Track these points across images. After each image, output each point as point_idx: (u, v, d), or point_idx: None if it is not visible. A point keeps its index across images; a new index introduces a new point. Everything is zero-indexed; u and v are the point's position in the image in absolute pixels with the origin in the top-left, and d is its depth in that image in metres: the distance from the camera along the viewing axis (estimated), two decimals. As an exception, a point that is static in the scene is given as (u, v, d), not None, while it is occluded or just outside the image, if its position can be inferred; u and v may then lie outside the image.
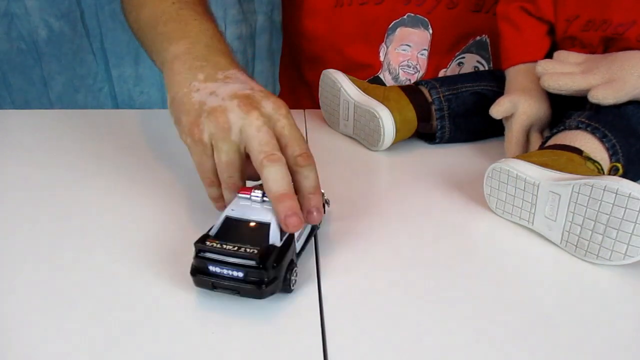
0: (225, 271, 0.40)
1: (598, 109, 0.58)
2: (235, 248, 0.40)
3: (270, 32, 1.37)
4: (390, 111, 0.68)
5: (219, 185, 0.48)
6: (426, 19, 0.84)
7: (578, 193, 0.47)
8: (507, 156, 0.65)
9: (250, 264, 0.39)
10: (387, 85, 0.88)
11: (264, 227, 0.42)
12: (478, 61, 0.89)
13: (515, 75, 0.68)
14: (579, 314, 0.43)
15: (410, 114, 0.70)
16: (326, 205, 0.52)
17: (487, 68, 0.90)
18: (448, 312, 0.42)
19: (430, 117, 0.72)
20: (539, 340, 0.40)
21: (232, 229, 0.42)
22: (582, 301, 0.44)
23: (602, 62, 0.59)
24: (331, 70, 0.75)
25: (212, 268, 0.40)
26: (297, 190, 0.45)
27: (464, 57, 0.88)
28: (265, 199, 0.44)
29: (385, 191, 0.63)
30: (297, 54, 0.95)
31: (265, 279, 0.39)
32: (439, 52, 0.86)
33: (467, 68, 0.89)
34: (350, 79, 0.74)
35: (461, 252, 0.50)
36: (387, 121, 0.68)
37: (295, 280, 0.43)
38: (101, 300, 0.42)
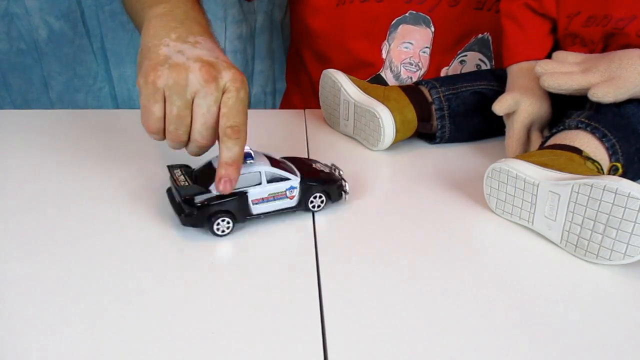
0: (175, 192, 0.52)
1: (598, 108, 0.58)
2: (183, 183, 0.51)
3: (270, 31, 1.37)
4: (391, 111, 0.68)
5: (163, 134, 0.50)
6: (428, 17, 0.84)
7: (578, 193, 0.47)
8: (508, 154, 0.66)
9: (181, 194, 0.50)
10: (389, 83, 0.88)
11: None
12: (480, 59, 0.89)
13: (518, 73, 0.69)
14: (578, 313, 0.43)
15: (411, 113, 0.70)
16: (344, 194, 0.56)
17: (489, 66, 0.90)
18: (448, 311, 0.42)
19: (431, 117, 0.72)
20: (539, 340, 0.40)
21: (207, 173, 0.51)
22: (581, 301, 0.44)
23: (602, 60, 0.59)
24: (331, 70, 0.75)
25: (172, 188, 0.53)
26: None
27: (466, 55, 0.88)
28: (247, 161, 0.51)
29: (385, 191, 0.63)
30: (302, 51, 0.95)
31: (185, 211, 0.49)
32: (441, 50, 0.86)
33: (469, 66, 0.89)
34: (350, 78, 0.74)
35: (461, 252, 0.50)
36: (387, 121, 0.68)
37: (224, 230, 0.50)
38: (100, 301, 0.42)
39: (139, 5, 0.60)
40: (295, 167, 0.55)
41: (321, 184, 0.54)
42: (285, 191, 0.52)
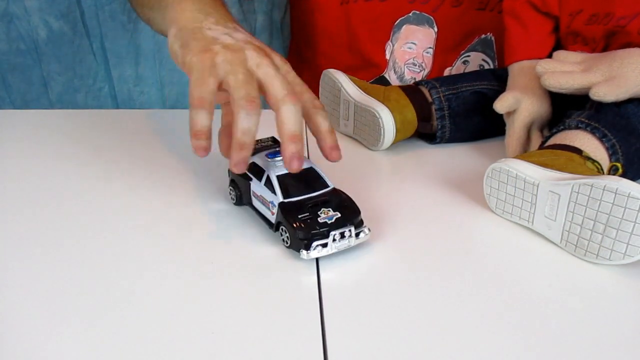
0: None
1: (598, 108, 0.58)
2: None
3: (270, 31, 1.37)
4: (391, 111, 0.68)
5: (210, 110, 0.45)
6: (431, 17, 0.84)
7: (578, 193, 0.47)
8: (508, 153, 0.66)
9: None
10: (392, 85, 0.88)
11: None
12: (483, 59, 0.89)
13: (519, 71, 0.69)
14: (578, 313, 0.43)
15: (411, 113, 0.70)
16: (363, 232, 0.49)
17: (492, 66, 0.90)
18: (448, 311, 0.42)
19: (431, 117, 0.72)
20: (539, 340, 0.40)
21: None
22: (582, 301, 0.44)
23: (603, 60, 0.59)
24: (331, 70, 0.75)
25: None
26: (313, 132, 0.49)
27: (469, 56, 0.88)
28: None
29: (385, 191, 0.63)
30: (303, 52, 0.95)
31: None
32: (444, 51, 0.87)
33: (473, 66, 0.89)
34: (350, 78, 0.74)
35: (461, 251, 0.50)
36: (387, 121, 0.68)
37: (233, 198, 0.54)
38: (100, 302, 0.42)
39: None
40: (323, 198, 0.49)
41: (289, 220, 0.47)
42: (269, 202, 0.50)
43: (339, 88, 0.73)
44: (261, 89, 0.46)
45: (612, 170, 0.55)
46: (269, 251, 0.49)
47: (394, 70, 0.87)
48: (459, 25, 0.85)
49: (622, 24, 0.62)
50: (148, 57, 1.09)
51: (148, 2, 0.62)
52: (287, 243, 0.48)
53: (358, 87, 0.73)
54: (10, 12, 1.11)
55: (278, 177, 0.49)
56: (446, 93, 0.71)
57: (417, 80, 0.88)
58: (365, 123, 0.70)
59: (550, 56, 0.67)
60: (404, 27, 0.85)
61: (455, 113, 0.72)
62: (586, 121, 0.56)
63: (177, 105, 1.35)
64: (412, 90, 0.72)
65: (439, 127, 0.71)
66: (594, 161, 0.53)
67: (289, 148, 0.45)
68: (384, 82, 0.88)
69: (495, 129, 0.71)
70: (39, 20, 1.13)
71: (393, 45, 0.86)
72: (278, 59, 0.49)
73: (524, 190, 0.52)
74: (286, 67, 0.49)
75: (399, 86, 0.74)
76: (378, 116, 0.67)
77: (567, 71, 0.60)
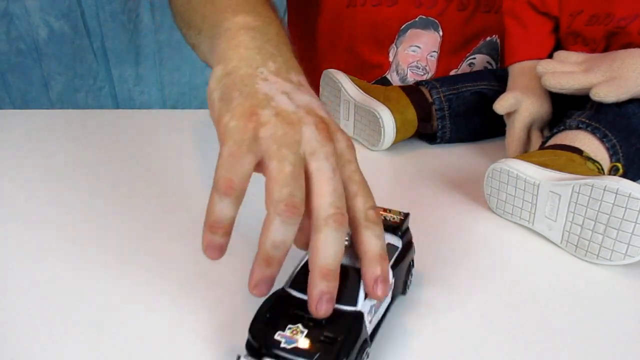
0: None
1: (598, 108, 0.58)
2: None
3: (270, 31, 1.36)
4: (391, 111, 0.68)
5: (239, 197, 0.35)
6: (437, 21, 0.84)
7: (578, 193, 0.47)
8: (508, 153, 0.66)
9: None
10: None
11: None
12: (488, 62, 0.89)
13: (520, 72, 0.69)
14: (579, 313, 0.43)
15: (411, 114, 0.70)
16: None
17: (496, 68, 0.89)
18: (447, 311, 0.42)
19: (431, 117, 0.72)
20: (539, 340, 0.40)
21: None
22: (582, 301, 0.44)
23: (603, 60, 0.59)
24: (332, 70, 0.75)
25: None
26: (359, 252, 0.36)
27: (474, 58, 0.88)
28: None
29: (386, 191, 0.63)
30: (304, 52, 0.95)
31: None
32: (448, 54, 0.86)
33: (478, 69, 0.89)
34: (351, 78, 0.74)
35: (461, 252, 0.50)
36: (387, 121, 0.68)
37: None
38: (100, 302, 0.42)
39: (215, 9, 0.47)
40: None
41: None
42: None
43: (339, 88, 0.73)
44: (306, 186, 0.35)
45: (613, 171, 0.55)
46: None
47: (397, 72, 0.87)
48: (464, 29, 0.85)
49: (622, 25, 0.62)
50: (148, 57, 1.09)
51: (195, 23, 0.51)
52: None
53: (358, 87, 0.73)
54: (10, 12, 1.11)
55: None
56: (446, 93, 0.71)
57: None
58: (365, 123, 0.70)
59: (550, 56, 0.67)
60: (409, 31, 0.85)
61: (456, 113, 0.72)
62: (587, 121, 0.56)
63: (177, 105, 1.35)
64: (412, 91, 0.72)
65: (439, 127, 0.71)
66: (594, 161, 0.53)
67: (317, 285, 0.33)
68: (387, 83, 0.88)
69: (495, 129, 0.71)
70: (40, 20, 1.13)
71: (397, 48, 0.86)
72: (342, 143, 0.38)
73: (524, 191, 0.52)
74: (347, 156, 0.38)
75: (400, 86, 0.74)
76: (378, 116, 0.67)
77: (567, 71, 0.60)
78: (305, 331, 0.33)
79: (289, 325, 0.33)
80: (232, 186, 0.34)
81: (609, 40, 0.64)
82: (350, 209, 0.36)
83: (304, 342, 0.32)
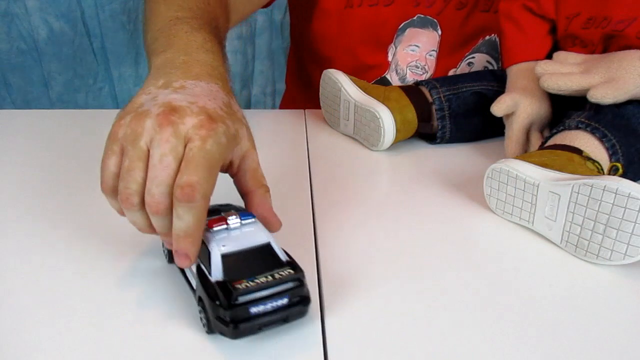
0: (269, 305, 0.37)
1: (598, 109, 0.58)
2: (269, 278, 0.37)
3: (270, 32, 1.37)
4: (391, 111, 0.68)
5: (116, 195, 0.40)
6: (435, 20, 0.84)
7: (578, 193, 0.47)
8: (507, 155, 0.65)
9: (291, 285, 0.37)
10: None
11: (266, 248, 0.39)
12: (488, 61, 0.89)
13: (517, 73, 0.69)
14: (579, 313, 0.43)
15: (411, 114, 0.70)
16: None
17: (496, 68, 0.89)
18: (447, 312, 0.42)
19: (431, 117, 0.72)
20: (539, 340, 0.40)
21: (236, 263, 0.38)
22: (582, 301, 0.44)
23: (601, 61, 0.59)
24: (332, 70, 0.75)
25: (254, 309, 0.36)
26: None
27: (474, 57, 0.88)
28: (244, 221, 0.40)
29: (386, 191, 0.63)
30: (304, 54, 0.95)
31: (308, 292, 0.39)
32: (447, 53, 0.86)
33: (477, 68, 0.89)
34: (351, 78, 0.74)
35: (461, 252, 0.50)
36: (387, 121, 0.68)
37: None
38: (100, 302, 0.42)
39: (149, 52, 0.53)
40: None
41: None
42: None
43: (339, 88, 0.73)
44: None
45: (612, 171, 0.55)
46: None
47: (396, 71, 0.87)
48: (462, 28, 0.85)
49: (619, 28, 0.62)
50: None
51: (147, 44, 0.55)
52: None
53: (358, 87, 0.73)
54: (11, 11, 1.11)
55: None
56: (446, 93, 0.72)
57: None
58: (365, 123, 0.70)
59: (548, 57, 0.67)
60: (408, 30, 0.85)
61: (456, 113, 0.72)
62: (586, 121, 0.56)
63: (177, 105, 1.34)
64: (412, 91, 0.72)
65: (440, 127, 0.72)
66: (594, 161, 0.53)
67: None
68: (386, 83, 0.88)
69: (495, 129, 0.71)
70: (40, 20, 1.13)
71: (396, 48, 0.86)
72: (189, 124, 0.39)
73: (524, 191, 0.52)
74: (194, 134, 0.39)
75: (399, 86, 0.74)
76: (378, 116, 0.68)
77: (565, 73, 0.60)
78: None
79: None
80: (102, 186, 0.41)
81: (607, 43, 0.64)
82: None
83: None
